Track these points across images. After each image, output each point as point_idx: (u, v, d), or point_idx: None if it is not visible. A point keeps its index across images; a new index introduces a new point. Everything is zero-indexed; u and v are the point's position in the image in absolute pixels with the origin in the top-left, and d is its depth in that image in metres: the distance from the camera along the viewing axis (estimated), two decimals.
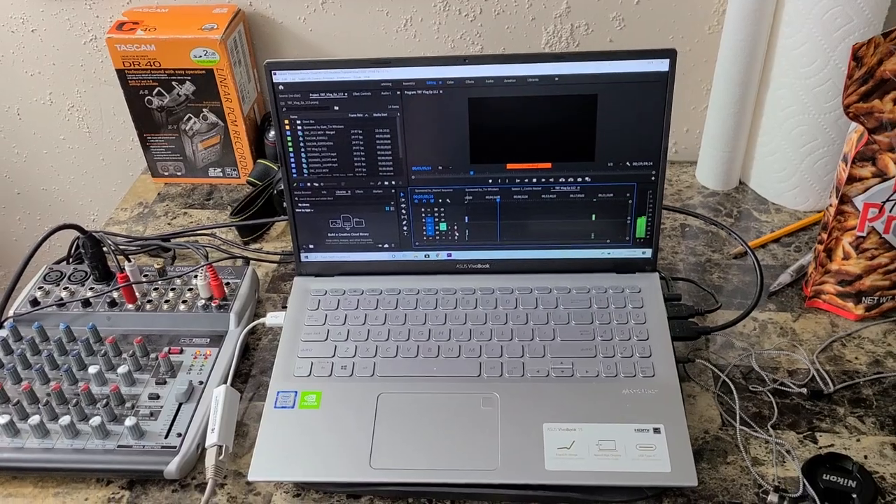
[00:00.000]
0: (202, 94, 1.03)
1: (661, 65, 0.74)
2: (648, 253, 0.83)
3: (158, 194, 1.11)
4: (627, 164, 0.78)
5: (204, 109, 1.05)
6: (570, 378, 0.74)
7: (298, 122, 0.79)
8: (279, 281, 0.94)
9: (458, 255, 0.85)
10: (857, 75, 0.70)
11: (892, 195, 0.74)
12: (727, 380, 0.77)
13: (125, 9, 1.07)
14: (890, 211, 0.75)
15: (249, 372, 0.83)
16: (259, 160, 1.08)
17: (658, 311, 0.79)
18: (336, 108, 0.78)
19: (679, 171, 1.07)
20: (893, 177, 0.73)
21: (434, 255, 0.85)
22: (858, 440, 0.72)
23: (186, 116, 1.06)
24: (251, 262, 0.96)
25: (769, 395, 0.76)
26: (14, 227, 1.36)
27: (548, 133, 0.78)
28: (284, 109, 0.79)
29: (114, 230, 1.03)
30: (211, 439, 0.72)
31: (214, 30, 0.99)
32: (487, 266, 0.85)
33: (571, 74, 0.75)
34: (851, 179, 0.75)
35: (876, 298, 0.81)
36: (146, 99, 1.05)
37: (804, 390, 0.76)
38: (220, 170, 1.11)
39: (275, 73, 0.77)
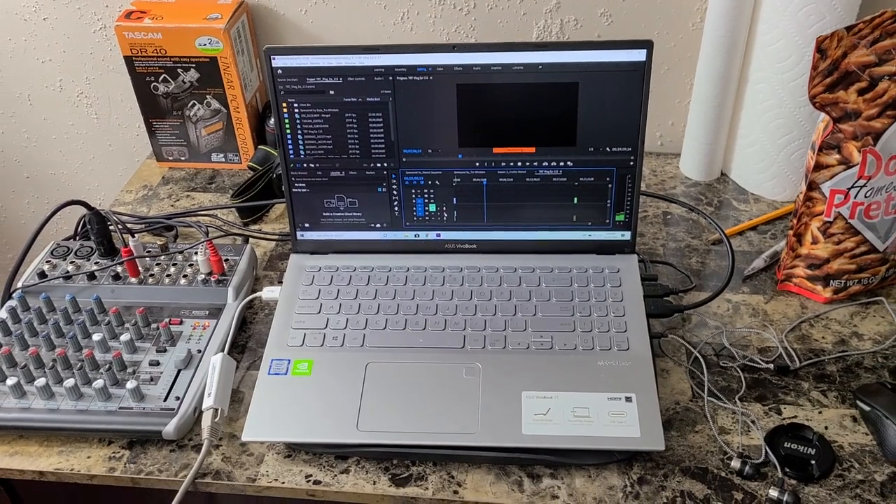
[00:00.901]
0: (206, 81, 1.08)
1: (639, 55, 0.78)
2: (627, 235, 0.87)
3: (163, 178, 1.15)
4: (607, 149, 0.83)
5: (208, 96, 1.09)
6: (550, 350, 0.78)
7: (296, 105, 0.83)
8: (276, 260, 0.99)
9: (446, 235, 0.89)
10: (821, 67, 0.74)
11: (856, 182, 0.78)
12: (699, 355, 0.81)
13: None
14: (854, 197, 0.79)
15: (246, 344, 0.87)
16: (260, 146, 1.12)
17: (635, 289, 0.83)
18: (331, 92, 0.82)
19: (664, 162, 1.12)
20: (857, 164, 0.77)
21: (423, 235, 0.89)
22: (820, 412, 0.76)
23: (191, 103, 1.10)
24: (250, 240, 1.00)
25: (738, 370, 0.80)
26: (23, 209, 1.41)
27: (532, 118, 0.82)
28: (282, 93, 0.83)
29: (119, 211, 1.07)
30: (207, 402, 0.76)
31: (219, 19, 1.04)
32: (474, 246, 0.89)
33: (554, 63, 0.79)
34: (818, 167, 0.79)
35: (843, 282, 0.85)
36: (152, 85, 1.09)
37: (771, 366, 0.80)
38: (222, 155, 1.15)
39: (274, 58, 0.81)
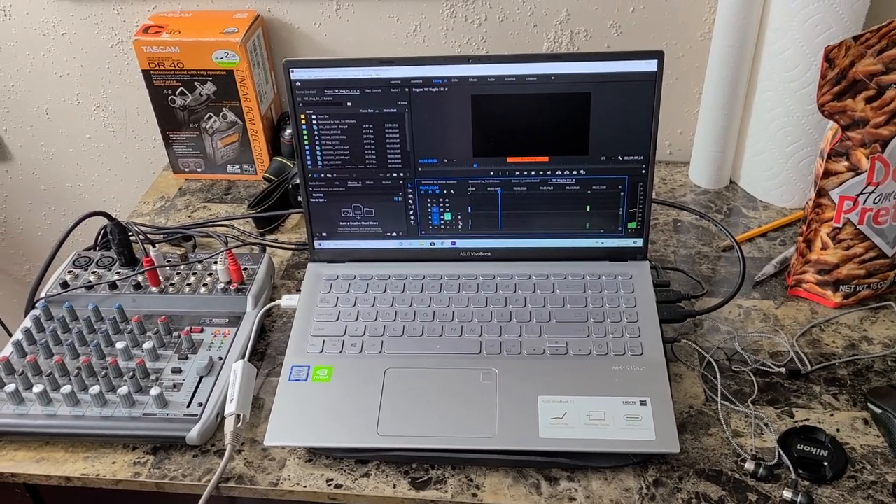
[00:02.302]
0: (222, 94, 1.10)
1: (650, 65, 0.80)
2: (640, 242, 0.88)
3: (179, 189, 1.17)
4: (619, 157, 0.84)
5: (224, 109, 1.12)
6: (565, 356, 0.80)
7: (314, 116, 0.85)
8: (293, 269, 1.00)
9: (461, 243, 0.91)
10: (829, 76, 0.75)
11: (865, 188, 0.80)
12: (712, 360, 0.82)
13: (151, 13, 1.14)
14: (863, 203, 0.81)
15: (265, 351, 0.89)
16: (275, 157, 1.14)
17: (647, 295, 0.85)
18: (349, 103, 0.84)
19: (673, 170, 1.13)
20: (865, 171, 0.79)
21: (439, 244, 0.91)
22: (832, 415, 0.77)
23: (207, 115, 1.12)
24: (267, 249, 1.02)
25: (750, 374, 0.81)
26: (40, 221, 1.43)
27: (545, 128, 0.83)
28: (301, 105, 0.85)
29: (138, 222, 1.09)
30: (229, 409, 0.78)
31: (235, 33, 1.06)
32: (489, 254, 0.91)
33: (567, 74, 0.81)
34: (827, 174, 0.81)
35: (853, 287, 0.86)
36: (169, 98, 1.11)
37: (783, 370, 0.81)
38: (238, 166, 1.17)
39: (292, 71, 0.83)
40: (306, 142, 0.87)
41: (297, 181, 0.89)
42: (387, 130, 0.85)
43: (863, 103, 0.77)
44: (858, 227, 0.82)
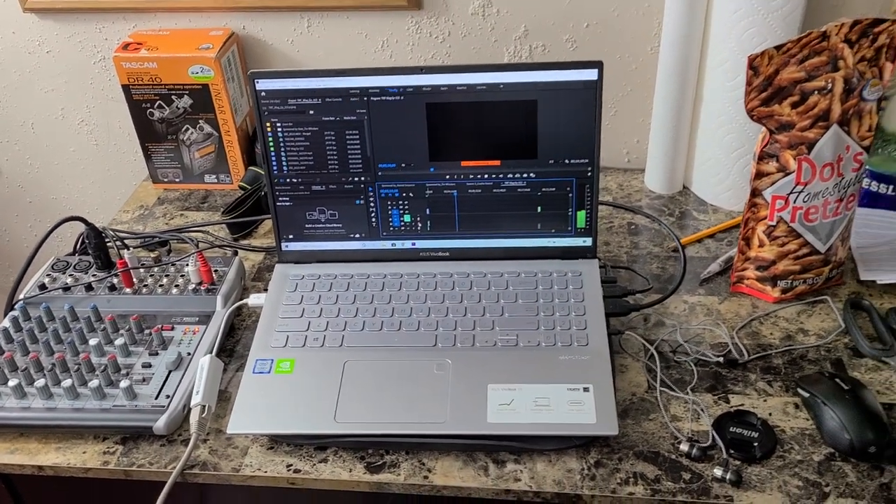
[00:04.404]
0: (199, 107, 1.15)
1: (591, 74, 0.85)
2: (589, 241, 0.93)
3: (158, 198, 1.22)
4: (566, 161, 0.89)
5: (200, 121, 1.17)
6: (515, 347, 0.84)
7: (278, 124, 0.90)
8: (264, 271, 1.05)
9: (421, 243, 0.95)
10: (755, 83, 0.81)
11: (794, 188, 0.85)
12: (654, 352, 0.87)
13: (131, 31, 1.20)
14: (794, 202, 0.86)
15: (234, 348, 0.93)
16: (250, 167, 1.19)
17: (595, 291, 0.89)
18: (311, 112, 0.89)
19: (630, 177, 1.18)
20: (794, 171, 0.84)
21: (400, 244, 0.96)
22: (765, 400, 0.81)
23: (184, 127, 1.18)
24: (239, 252, 1.06)
25: (691, 364, 0.86)
26: (26, 233, 1.47)
27: (496, 134, 0.89)
28: (266, 113, 0.90)
29: (116, 228, 1.13)
30: (195, 400, 0.82)
31: (210, 49, 1.11)
32: (447, 254, 0.95)
33: (514, 83, 0.86)
34: (760, 175, 0.86)
35: (790, 282, 0.91)
36: (148, 111, 1.16)
37: (721, 360, 0.85)
38: (214, 176, 1.22)
39: (258, 81, 0.88)
40: (272, 149, 0.92)
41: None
42: (347, 137, 0.90)
43: (789, 108, 0.82)
44: (791, 224, 0.87)
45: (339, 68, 0.87)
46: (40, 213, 1.44)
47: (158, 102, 1.15)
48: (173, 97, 1.15)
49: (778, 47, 0.79)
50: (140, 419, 0.81)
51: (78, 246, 1.08)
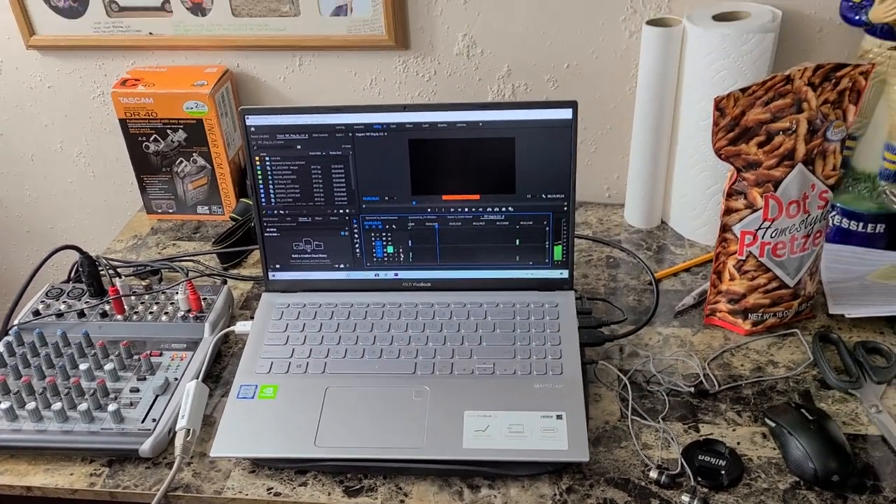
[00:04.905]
0: (193, 140, 1.19)
1: (566, 113, 0.89)
2: (566, 274, 0.96)
3: (152, 228, 1.25)
4: (543, 196, 0.93)
5: (194, 154, 1.21)
6: (492, 375, 0.87)
7: (267, 158, 0.94)
8: (252, 300, 1.08)
9: (403, 274, 0.98)
10: (721, 124, 0.84)
11: (762, 224, 0.88)
12: (628, 381, 0.89)
13: (130, 68, 1.24)
14: (762, 238, 0.89)
15: (220, 374, 0.96)
16: (241, 199, 1.22)
17: (570, 321, 0.92)
18: (298, 147, 0.93)
19: (611, 212, 1.22)
20: (761, 208, 0.87)
21: (383, 275, 0.99)
22: (734, 430, 0.84)
23: (178, 160, 1.21)
24: (228, 281, 1.09)
25: (663, 393, 0.88)
26: (22, 262, 1.50)
27: (475, 169, 0.92)
28: (255, 148, 0.94)
29: (110, 257, 1.17)
30: (180, 423, 0.84)
31: (205, 86, 1.15)
32: (429, 284, 0.98)
33: (492, 121, 0.90)
34: (729, 211, 0.89)
35: (760, 315, 0.94)
36: (144, 144, 1.20)
37: (693, 390, 0.88)
38: (206, 207, 1.25)
39: (248, 118, 0.92)
40: (261, 181, 0.95)
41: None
42: (333, 171, 0.94)
43: (755, 148, 0.86)
44: (760, 259, 0.90)
45: (325, 105, 0.91)
46: (38, 241, 1.47)
47: (154, 136, 1.19)
48: (168, 131, 1.19)
49: (744, 90, 0.83)
50: (126, 442, 0.84)
51: (72, 273, 1.11)
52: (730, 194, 0.89)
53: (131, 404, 0.88)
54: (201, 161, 1.21)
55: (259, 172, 0.95)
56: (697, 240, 1.13)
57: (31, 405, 0.86)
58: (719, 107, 0.83)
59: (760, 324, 0.95)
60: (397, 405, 0.84)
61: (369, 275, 0.99)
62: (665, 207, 1.17)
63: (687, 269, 1.08)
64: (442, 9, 1.13)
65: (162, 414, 0.87)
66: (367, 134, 0.92)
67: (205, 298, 1.01)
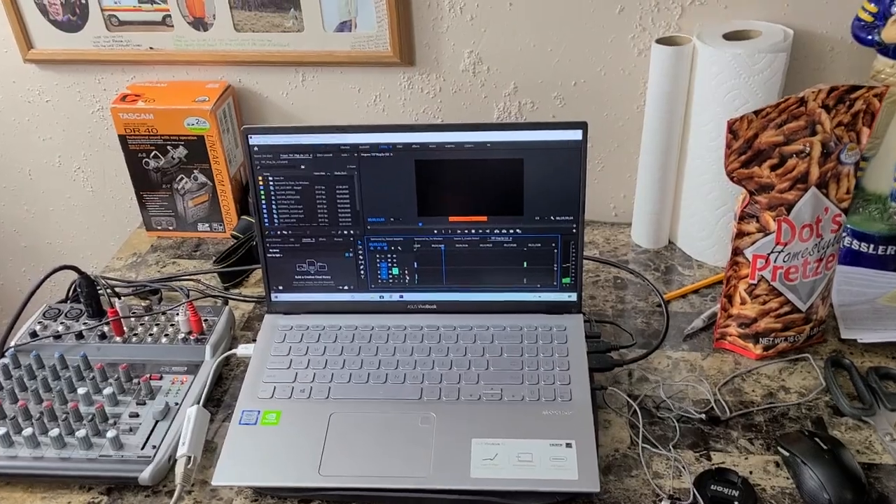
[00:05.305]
0: (194, 157, 1.17)
1: (576, 134, 0.87)
2: (574, 297, 0.95)
3: (151, 246, 1.23)
4: (551, 218, 0.91)
5: (195, 171, 1.19)
6: (499, 401, 0.85)
7: (270, 178, 0.92)
8: (254, 321, 1.06)
9: (408, 296, 0.97)
10: (734, 146, 0.83)
11: (774, 247, 0.87)
12: (637, 408, 0.88)
13: (129, 83, 1.23)
14: (775, 261, 0.88)
15: (222, 398, 0.94)
16: (243, 216, 1.21)
17: (579, 346, 0.90)
18: (303, 167, 0.91)
19: (617, 231, 1.20)
20: (774, 232, 0.86)
21: (388, 297, 0.97)
22: (747, 458, 0.82)
23: (179, 177, 1.20)
24: (229, 302, 1.07)
25: (674, 420, 0.87)
26: (19, 277, 1.48)
27: (483, 191, 0.91)
28: (258, 167, 0.92)
29: (108, 276, 1.15)
30: (181, 450, 0.82)
31: (206, 102, 1.14)
32: (434, 306, 0.97)
33: (501, 141, 0.88)
34: (741, 234, 0.88)
35: (771, 339, 0.92)
36: (144, 161, 1.18)
37: (704, 416, 0.86)
38: (207, 225, 1.24)
39: (251, 137, 0.91)
40: (264, 201, 0.93)
41: None
42: (338, 191, 0.92)
43: (768, 170, 0.84)
44: (772, 283, 0.89)
45: (330, 125, 0.90)
46: (34, 258, 1.45)
47: (154, 152, 1.18)
48: (169, 147, 1.17)
49: (757, 112, 0.81)
50: (126, 469, 0.82)
51: (70, 293, 1.09)
52: (742, 217, 0.87)
53: (130, 430, 0.86)
54: (202, 178, 1.19)
55: (262, 192, 0.93)
56: (706, 260, 1.11)
57: (27, 431, 0.84)
58: (732, 129, 0.82)
59: (771, 348, 0.93)
60: (403, 432, 0.82)
61: (374, 297, 0.97)
62: (673, 227, 1.15)
63: (695, 291, 1.06)
64: (448, 25, 1.11)
65: (162, 440, 0.85)
66: (373, 154, 0.90)
67: (206, 320, 0.99)
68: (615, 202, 1.23)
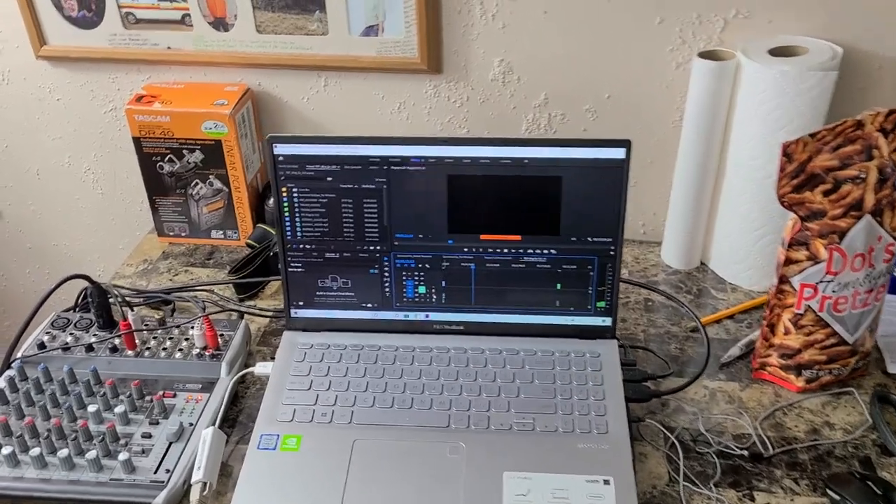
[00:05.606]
0: (210, 162, 1.13)
1: (619, 153, 0.83)
2: (608, 321, 0.91)
3: (163, 252, 1.19)
4: (589, 239, 0.87)
5: (210, 176, 1.15)
6: (531, 431, 0.81)
7: (295, 189, 0.88)
8: (270, 335, 1.02)
9: (435, 316, 0.92)
10: (788, 170, 0.79)
11: (824, 277, 0.83)
12: (675, 441, 0.84)
13: (145, 83, 1.18)
14: (823, 291, 0.83)
15: (237, 418, 0.89)
16: (259, 224, 1.16)
17: (614, 374, 0.86)
18: (329, 178, 0.87)
19: (646, 250, 1.16)
20: (824, 260, 0.82)
21: (413, 316, 0.93)
22: (792, 500, 0.78)
23: (194, 182, 1.15)
24: (245, 316, 1.03)
25: (714, 455, 0.82)
26: (23, 279, 1.44)
27: (518, 209, 0.86)
28: (283, 178, 0.88)
29: (119, 284, 1.10)
30: (196, 476, 0.78)
31: (225, 105, 1.10)
32: (462, 327, 0.92)
33: (539, 158, 0.84)
34: (788, 261, 0.84)
35: (815, 372, 0.88)
36: (158, 165, 1.14)
37: (746, 452, 0.82)
38: (221, 232, 1.19)
39: (276, 146, 0.86)
40: (287, 213, 0.89)
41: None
42: (365, 205, 0.88)
43: (821, 196, 0.80)
44: (819, 314, 0.85)
45: (359, 136, 0.86)
46: (40, 259, 1.41)
47: (169, 156, 1.13)
48: (185, 151, 1.13)
49: (812, 134, 0.77)
50: (138, 495, 0.78)
51: (79, 301, 1.04)
52: (791, 244, 0.83)
53: (143, 452, 0.82)
54: (218, 184, 1.15)
55: (285, 204, 0.89)
56: (740, 284, 1.07)
57: (35, 451, 0.80)
58: (787, 152, 0.78)
59: (814, 381, 0.89)
60: (431, 463, 0.78)
61: (399, 315, 0.93)
62: (706, 248, 1.11)
63: (731, 316, 1.02)
64: (479, 32, 1.07)
65: (176, 464, 0.80)
66: (404, 167, 0.86)
67: (221, 334, 0.95)
68: (645, 219, 1.19)
